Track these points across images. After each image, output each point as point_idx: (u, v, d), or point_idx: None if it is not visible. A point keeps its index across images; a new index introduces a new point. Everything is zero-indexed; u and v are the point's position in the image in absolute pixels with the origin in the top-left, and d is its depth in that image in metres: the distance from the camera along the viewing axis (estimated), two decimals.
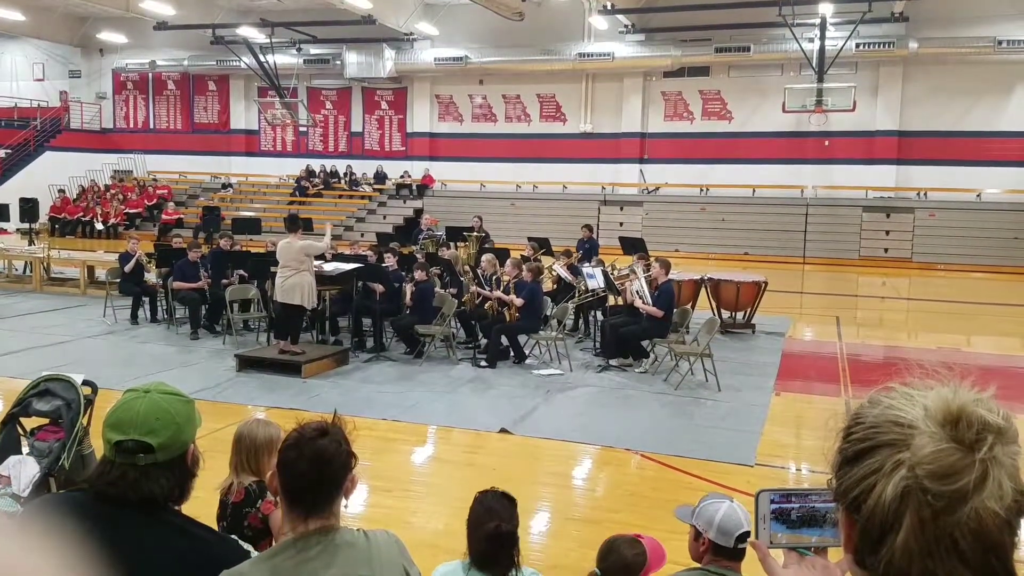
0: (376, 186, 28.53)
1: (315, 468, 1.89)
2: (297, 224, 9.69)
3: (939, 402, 0.91)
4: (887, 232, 23.40)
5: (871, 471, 0.92)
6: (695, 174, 25.47)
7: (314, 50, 27.53)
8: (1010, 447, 0.89)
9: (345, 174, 29.01)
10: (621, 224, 24.27)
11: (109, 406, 1.99)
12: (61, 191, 28.26)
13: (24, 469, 3.68)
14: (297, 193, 28.61)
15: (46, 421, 3.98)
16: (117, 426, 1.89)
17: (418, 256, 12.44)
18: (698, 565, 2.97)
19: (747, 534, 2.90)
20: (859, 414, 0.97)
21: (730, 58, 24.60)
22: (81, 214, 27.73)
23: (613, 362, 9.82)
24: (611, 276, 10.65)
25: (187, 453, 1.95)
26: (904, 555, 0.89)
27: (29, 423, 4.01)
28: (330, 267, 10.25)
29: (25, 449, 3.90)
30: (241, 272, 11.66)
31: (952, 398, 0.91)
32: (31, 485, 3.62)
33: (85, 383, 4.05)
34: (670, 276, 10.13)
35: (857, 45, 22.52)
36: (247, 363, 9.42)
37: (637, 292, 9.84)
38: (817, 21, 21.51)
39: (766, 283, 12.26)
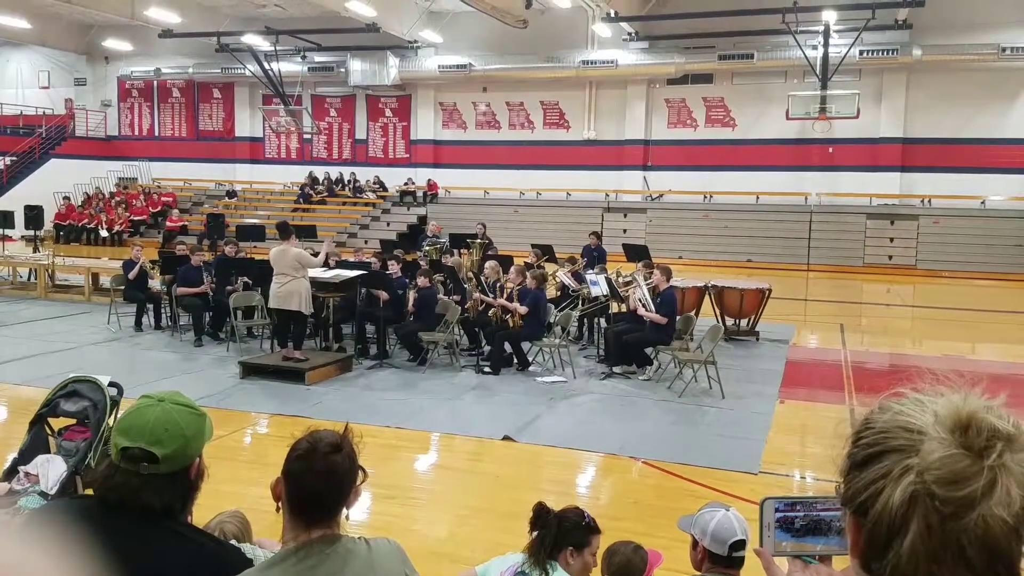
0: (380, 193, 28.60)
1: (325, 483, 1.89)
2: (289, 231, 9.68)
3: (949, 408, 0.91)
4: (891, 239, 23.38)
5: (879, 476, 0.91)
6: (699, 181, 25.50)
7: (318, 58, 27.65)
8: (1019, 455, 0.88)
9: (349, 181, 29.08)
10: (625, 231, 24.26)
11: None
12: (66, 198, 28.34)
13: (52, 468, 3.76)
14: (301, 200, 28.68)
15: (73, 421, 4.08)
16: (126, 432, 1.90)
17: (421, 263, 12.45)
18: (698, 573, 2.98)
19: (742, 542, 2.92)
20: (869, 419, 0.97)
21: (733, 65, 24.64)
22: (86, 221, 27.79)
23: (617, 369, 9.81)
24: (615, 283, 10.64)
25: (192, 466, 1.94)
26: (910, 560, 0.88)
27: (57, 423, 4.11)
28: (331, 274, 10.25)
29: (53, 448, 3.98)
30: (245, 279, 11.67)
31: (962, 405, 0.91)
32: (58, 483, 3.69)
33: (111, 384, 4.13)
34: (672, 283, 10.11)
35: (861, 52, 22.55)
36: (251, 370, 9.42)
37: (640, 299, 9.83)
38: (821, 28, 21.55)
39: (770, 290, 12.24)
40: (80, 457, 3.88)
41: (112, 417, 3.99)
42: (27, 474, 3.72)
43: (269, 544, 2.68)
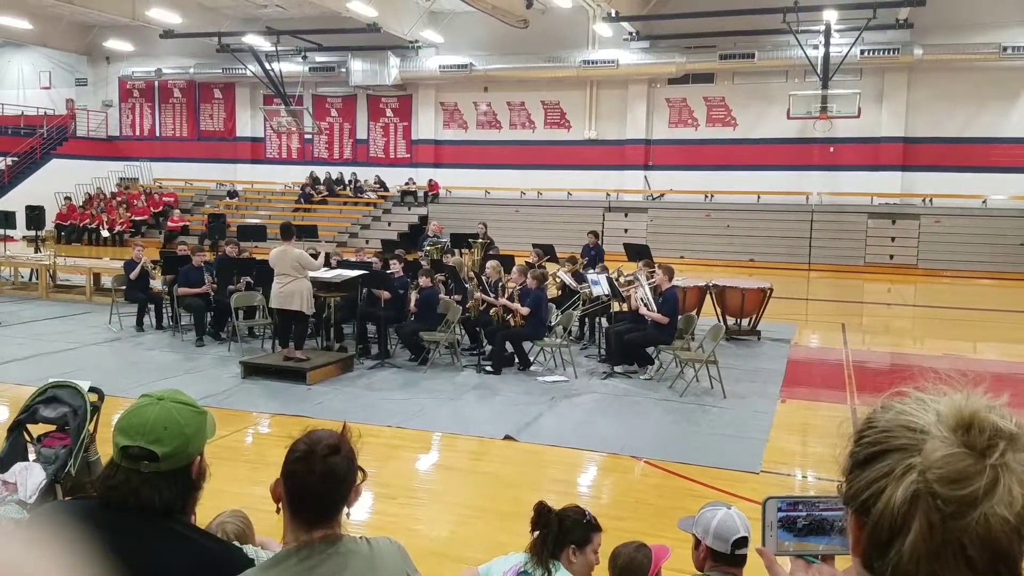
0: (381, 193, 28.60)
1: (325, 485, 1.89)
2: (291, 232, 9.71)
3: (951, 408, 0.91)
4: (892, 239, 23.37)
5: (881, 475, 0.91)
6: (700, 181, 25.49)
7: (319, 58, 27.66)
8: (1022, 454, 0.88)
9: (350, 181, 29.08)
10: (626, 231, 24.25)
11: (115, 413, 1.98)
12: (67, 198, 28.36)
13: (30, 476, 3.67)
14: (302, 200, 28.69)
15: (53, 428, 3.99)
16: (126, 431, 1.90)
17: (423, 263, 12.45)
18: (699, 573, 2.98)
19: (744, 539, 2.92)
20: (872, 418, 0.97)
21: (734, 65, 24.64)
22: (87, 221, 27.82)
23: (618, 369, 9.80)
24: (616, 283, 10.64)
25: (193, 465, 1.94)
26: (912, 559, 0.88)
27: (36, 430, 4.03)
28: (332, 274, 10.26)
29: (32, 456, 3.91)
30: (247, 279, 11.68)
31: (965, 404, 0.91)
32: (37, 492, 3.61)
33: (91, 390, 4.05)
34: (674, 282, 10.11)
35: (862, 52, 22.54)
36: (252, 370, 9.42)
37: (642, 299, 9.83)
38: (822, 28, 21.54)
39: (771, 290, 12.23)
40: (60, 464, 3.79)
41: (92, 423, 3.93)
42: (5, 482, 3.65)
43: (272, 544, 2.68)
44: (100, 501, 1.90)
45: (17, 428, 3.95)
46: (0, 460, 3.82)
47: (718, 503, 3.15)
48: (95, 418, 3.94)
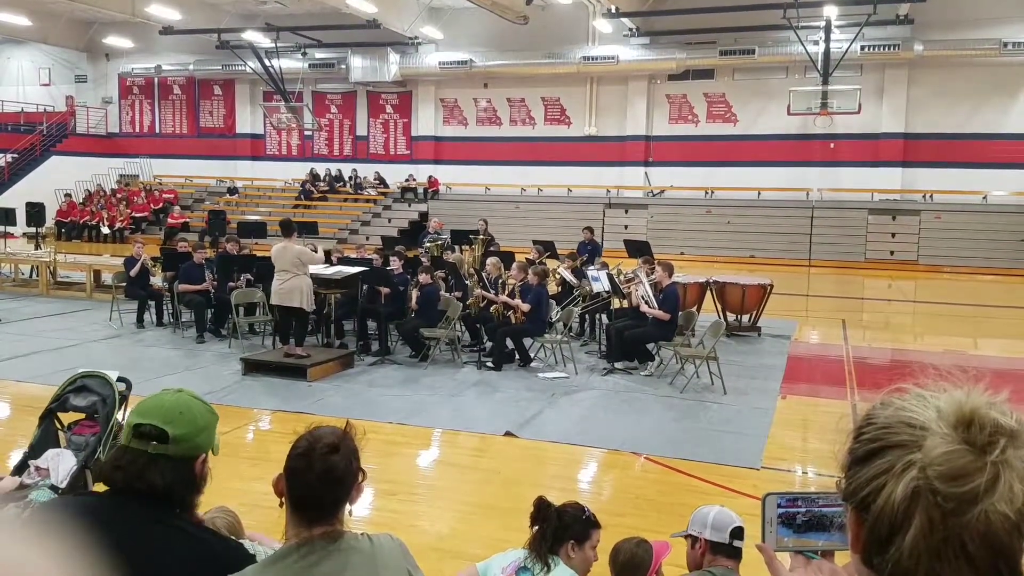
0: (381, 190, 28.60)
1: (324, 484, 1.90)
2: (291, 229, 9.71)
3: (952, 404, 0.91)
4: (893, 235, 23.36)
5: (881, 471, 0.91)
6: (700, 177, 25.48)
7: (319, 54, 27.63)
8: (1022, 451, 0.88)
9: (350, 178, 29.08)
10: (626, 227, 24.26)
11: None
12: (67, 195, 28.36)
13: (62, 462, 3.81)
14: (302, 197, 28.68)
15: (83, 416, 4.13)
16: (141, 412, 1.97)
17: (423, 259, 12.45)
18: (696, 572, 2.99)
19: (740, 529, 2.94)
20: (871, 414, 0.97)
21: (735, 61, 24.61)
22: (87, 218, 27.82)
23: (618, 365, 9.80)
24: (616, 279, 10.63)
25: (197, 459, 1.95)
26: (912, 556, 0.88)
27: (66, 418, 4.15)
28: (333, 270, 10.26)
29: (63, 443, 4.03)
30: (248, 276, 11.68)
31: (965, 400, 0.91)
32: (68, 477, 3.73)
33: (120, 379, 4.17)
34: (674, 279, 10.11)
35: (862, 47, 22.52)
36: (252, 367, 9.43)
37: (643, 296, 9.83)
38: (822, 23, 21.52)
39: (772, 286, 12.23)
40: (90, 451, 3.92)
41: (121, 412, 4.03)
42: (37, 468, 3.77)
43: (265, 539, 2.69)
44: (104, 494, 1.91)
45: (49, 416, 4.08)
46: (33, 447, 3.98)
47: (708, 505, 3.19)
48: (123, 407, 4.05)
